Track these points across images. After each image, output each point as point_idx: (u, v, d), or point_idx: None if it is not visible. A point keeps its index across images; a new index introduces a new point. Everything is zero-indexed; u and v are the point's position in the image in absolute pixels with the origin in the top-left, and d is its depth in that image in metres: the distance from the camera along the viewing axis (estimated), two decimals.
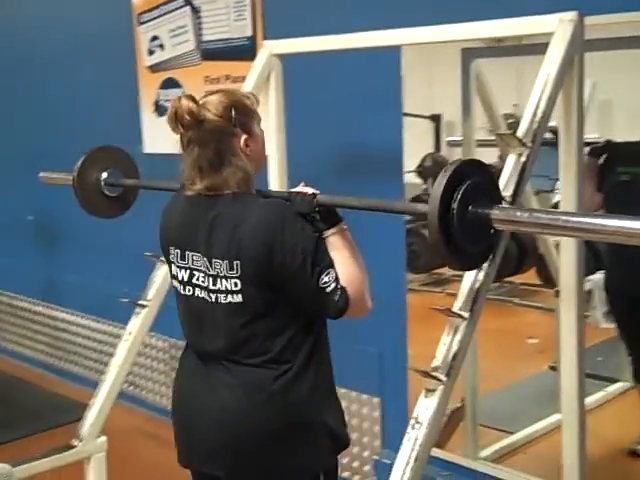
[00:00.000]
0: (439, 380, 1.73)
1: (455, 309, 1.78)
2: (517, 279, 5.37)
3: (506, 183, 1.83)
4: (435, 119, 5.58)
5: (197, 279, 1.84)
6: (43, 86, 4.45)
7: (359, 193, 2.94)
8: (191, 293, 1.86)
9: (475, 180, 1.62)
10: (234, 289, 1.77)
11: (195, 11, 3.55)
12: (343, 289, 1.76)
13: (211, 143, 1.80)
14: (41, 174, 3.06)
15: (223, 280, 1.78)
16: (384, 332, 2.93)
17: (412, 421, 1.73)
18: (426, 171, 5.71)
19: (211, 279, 1.80)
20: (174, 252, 1.88)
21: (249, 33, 3.33)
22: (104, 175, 2.64)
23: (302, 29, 2.85)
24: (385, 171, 2.92)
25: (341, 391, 3.04)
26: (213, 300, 1.81)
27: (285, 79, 2.67)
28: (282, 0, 3.20)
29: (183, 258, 1.86)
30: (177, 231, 1.89)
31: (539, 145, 1.89)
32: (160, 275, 2.54)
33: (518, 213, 1.64)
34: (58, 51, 4.31)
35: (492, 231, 1.68)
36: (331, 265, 1.77)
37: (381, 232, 2.90)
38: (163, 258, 2.41)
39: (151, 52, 3.78)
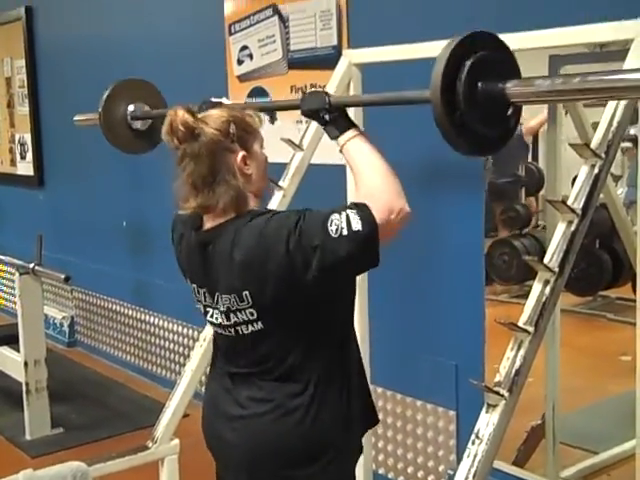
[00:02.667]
0: (501, 395, 1.69)
1: (520, 323, 1.74)
2: (612, 293, 5.22)
3: (577, 195, 1.78)
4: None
5: (212, 316, 1.80)
6: None
7: (440, 203, 2.95)
8: (214, 328, 1.84)
9: (487, 54, 1.46)
10: (251, 318, 1.70)
11: (283, 20, 3.59)
12: (360, 207, 1.57)
13: (206, 158, 1.70)
14: (75, 117, 3.01)
15: (238, 313, 1.72)
16: (461, 344, 2.89)
17: (472, 436, 1.69)
18: (520, 181, 5.62)
19: (224, 315, 1.75)
20: (192, 285, 1.84)
21: (334, 42, 3.34)
22: (131, 108, 2.56)
23: (386, 38, 2.85)
24: (466, 180, 2.87)
25: (416, 403, 3.05)
26: (233, 333, 1.76)
27: (365, 87, 2.67)
28: (367, 10, 3.19)
29: (198, 292, 1.82)
30: (187, 264, 1.84)
31: (614, 156, 1.83)
32: None
33: (538, 82, 1.47)
34: (151, 60, 4.43)
35: (509, 111, 1.51)
36: (330, 210, 1.59)
37: (459, 243, 2.87)
38: None
39: (240, 62, 3.85)
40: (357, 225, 1.54)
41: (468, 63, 1.44)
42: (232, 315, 1.72)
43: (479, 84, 1.44)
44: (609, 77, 1.43)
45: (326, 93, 1.74)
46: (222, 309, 1.74)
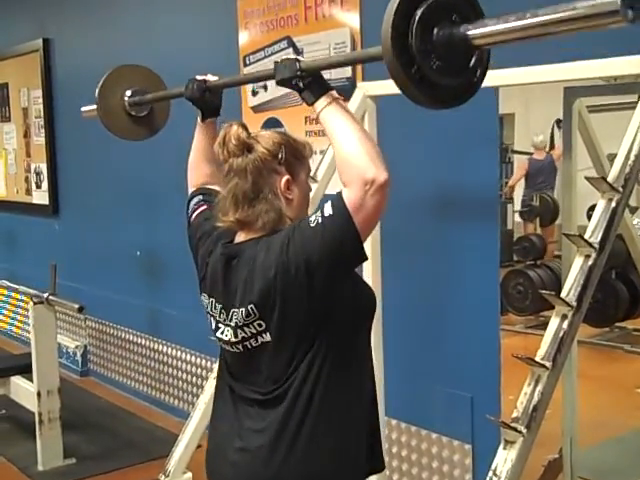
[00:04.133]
0: (519, 432, 1.67)
1: (537, 358, 1.72)
2: (629, 324, 5.18)
3: (594, 229, 1.77)
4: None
5: (222, 332, 1.78)
6: None
7: (455, 232, 2.94)
8: (222, 345, 1.81)
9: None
10: (260, 329, 1.69)
11: (297, 52, 3.61)
12: (333, 197, 1.58)
13: (251, 174, 1.71)
14: (82, 108, 2.88)
15: (245, 328, 1.71)
16: (477, 375, 2.86)
17: (490, 473, 1.67)
18: (534, 211, 5.60)
19: (232, 331, 1.74)
20: (206, 301, 1.83)
21: (349, 74, 3.36)
22: (128, 93, 2.51)
23: None
24: (481, 212, 2.87)
25: (432, 436, 3.02)
26: (241, 349, 1.74)
27: (380, 118, 2.68)
28: (381, 41, 3.21)
29: (213, 308, 1.81)
30: (210, 277, 1.83)
31: (632, 190, 1.82)
32: None
33: (501, 20, 1.32)
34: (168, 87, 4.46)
35: (473, 58, 1.41)
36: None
37: (475, 273, 2.86)
38: None
39: (255, 93, 3.87)
40: (328, 210, 1.58)
41: (420, 10, 1.34)
42: (240, 331, 1.72)
43: (435, 30, 1.34)
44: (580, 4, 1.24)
45: (297, 59, 1.72)
46: (232, 324, 1.73)
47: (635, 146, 1.82)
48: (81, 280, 5.14)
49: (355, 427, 1.75)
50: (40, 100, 5.61)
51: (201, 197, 2.00)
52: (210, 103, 2.14)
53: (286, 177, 1.73)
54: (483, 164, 2.83)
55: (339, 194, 1.57)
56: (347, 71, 3.35)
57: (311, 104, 1.67)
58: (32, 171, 5.86)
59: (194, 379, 4.39)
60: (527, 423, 1.67)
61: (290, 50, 3.64)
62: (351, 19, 3.30)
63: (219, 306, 1.79)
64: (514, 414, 1.69)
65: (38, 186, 5.81)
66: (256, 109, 3.86)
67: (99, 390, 5.10)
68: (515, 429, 1.67)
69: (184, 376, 4.49)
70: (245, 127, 1.75)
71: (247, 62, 3.88)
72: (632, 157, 1.82)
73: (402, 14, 1.34)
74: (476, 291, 2.85)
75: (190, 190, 2.08)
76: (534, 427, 1.68)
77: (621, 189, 1.79)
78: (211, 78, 2.10)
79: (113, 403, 4.84)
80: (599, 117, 3.12)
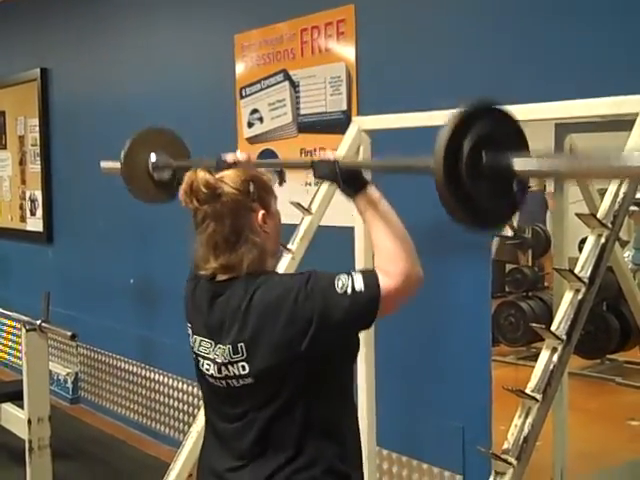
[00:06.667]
0: (509, 464, 1.69)
1: (528, 390, 1.75)
2: (620, 356, 5.20)
3: (584, 263, 1.80)
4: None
5: (203, 365, 1.78)
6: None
7: (446, 264, 2.97)
8: (203, 372, 1.81)
9: (493, 124, 1.42)
10: (242, 372, 1.69)
11: (293, 85, 3.66)
12: (365, 272, 1.63)
13: (228, 218, 1.71)
14: (102, 163, 2.95)
15: (229, 366, 1.70)
16: (468, 406, 2.88)
17: None
18: (526, 243, 5.66)
19: (216, 367, 1.73)
20: (189, 331, 1.84)
21: (344, 107, 3.41)
22: (152, 158, 2.54)
23: (395, 104, 2.91)
24: (472, 244, 2.90)
25: (423, 466, 3.03)
26: (224, 386, 1.74)
27: (375, 151, 2.72)
28: (376, 76, 3.27)
29: (195, 341, 1.81)
30: (193, 313, 1.84)
31: (621, 225, 1.86)
32: None
33: (544, 158, 1.42)
34: (162, 122, 4.49)
35: (514, 185, 1.45)
36: (338, 273, 1.64)
37: (466, 304, 2.89)
38: None
39: (251, 124, 3.91)
40: (360, 286, 1.61)
41: (473, 133, 1.41)
42: (223, 368, 1.72)
43: (484, 156, 1.40)
44: (615, 160, 1.34)
45: (335, 161, 1.76)
46: (218, 360, 1.73)
47: (624, 184, 1.86)
48: (74, 307, 5.14)
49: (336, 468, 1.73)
50: (37, 128, 5.65)
51: None
52: None
53: (262, 212, 1.75)
54: None
55: (374, 275, 1.61)
56: (342, 104, 3.41)
57: (351, 199, 1.74)
58: (27, 198, 5.89)
59: (186, 407, 4.40)
60: (517, 454, 1.69)
61: (286, 83, 3.69)
62: (347, 53, 3.36)
63: (200, 339, 1.78)
64: (505, 445, 1.72)
65: (33, 213, 5.84)
66: (252, 140, 3.90)
67: (90, 418, 5.09)
68: (505, 460, 1.69)
69: (176, 404, 4.48)
70: (209, 171, 1.74)
71: (243, 94, 3.93)
72: (621, 194, 1.86)
73: (455, 138, 1.40)
74: (468, 322, 2.88)
75: None
76: (524, 458, 1.70)
77: (610, 225, 1.82)
78: (239, 156, 2.02)
79: (104, 431, 4.83)
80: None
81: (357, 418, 1.83)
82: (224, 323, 1.72)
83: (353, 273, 1.63)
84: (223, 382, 1.74)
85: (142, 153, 2.52)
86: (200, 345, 1.79)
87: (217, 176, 1.75)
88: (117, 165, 2.68)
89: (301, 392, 1.68)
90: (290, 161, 1.96)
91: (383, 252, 1.66)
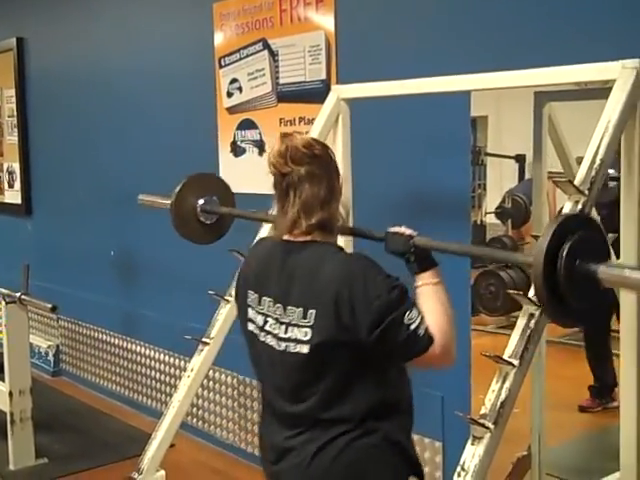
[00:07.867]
0: (486, 428, 1.71)
1: (505, 356, 1.76)
2: None
3: None
4: (519, 159, 5.53)
5: (270, 325, 1.80)
6: (125, 127, 4.62)
7: (426, 233, 2.97)
8: (264, 340, 1.83)
9: (582, 235, 1.60)
10: (303, 339, 1.73)
11: (272, 54, 3.64)
12: (428, 329, 1.72)
13: (324, 177, 1.76)
14: (140, 196, 3.11)
15: (295, 328, 1.74)
16: (447, 375, 2.89)
17: (458, 468, 1.71)
18: (505, 212, 5.67)
19: (283, 327, 1.77)
20: (252, 296, 1.85)
21: (323, 76, 3.39)
22: (201, 202, 2.70)
23: (374, 73, 2.89)
24: (453, 213, 2.91)
25: None
26: (282, 349, 1.77)
27: (353, 121, 2.71)
28: (355, 45, 3.25)
29: (260, 303, 1.83)
30: (256, 276, 1.86)
31: (597, 193, 1.87)
32: (223, 314, 2.58)
33: (627, 272, 1.59)
34: (141, 92, 4.47)
35: (600, 288, 1.64)
36: (415, 305, 1.73)
37: (445, 274, 2.89)
38: (228, 297, 2.47)
39: (230, 94, 3.89)
40: (421, 331, 1.70)
41: (569, 242, 1.57)
42: (290, 329, 1.75)
43: (577, 263, 1.57)
44: None
45: (411, 237, 1.83)
46: (284, 320, 1.76)
47: (601, 150, 1.87)
48: (54, 280, 5.12)
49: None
50: (13, 99, 5.59)
51: None
52: None
53: (341, 176, 1.84)
54: (455, 166, 2.87)
55: (432, 332, 1.71)
56: (321, 74, 3.39)
57: (415, 274, 1.81)
58: (5, 170, 5.83)
59: (167, 378, 4.40)
60: (494, 419, 1.72)
61: (265, 52, 3.67)
62: (326, 22, 3.33)
63: (268, 299, 1.81)
64: (482, 411, 1.74)
65: (11, 185, 5.79)
66: (231, 110, 3.88)
67: (71, 390, 5.09)
68: (483, 425, 1.71)
69: (157, 375, 4.49)
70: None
71: (222, 64, 3.90)
72: (597, 161, 1.86)
73: (555, 242, 1.57)
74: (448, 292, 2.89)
75: None
76: (501, 423, 1.72)
77: (587, 192, 1.83)
78: None
79: (85, 403, 4.83)
80: (568, 121, 3.18)
81: (410, 386, 1.95)
82: (293, 284, 1.75)
83: (422, 317, 1.71)
84: (283, 345, 1.76)
85: (190, 197, 2.70)
86: (267, 305, 1.81)
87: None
88: (156, 200, 2.88)
89: (358, 366, 1.74)
90: (361, 229, 2.03)
91: (442, 330, 1.74)
